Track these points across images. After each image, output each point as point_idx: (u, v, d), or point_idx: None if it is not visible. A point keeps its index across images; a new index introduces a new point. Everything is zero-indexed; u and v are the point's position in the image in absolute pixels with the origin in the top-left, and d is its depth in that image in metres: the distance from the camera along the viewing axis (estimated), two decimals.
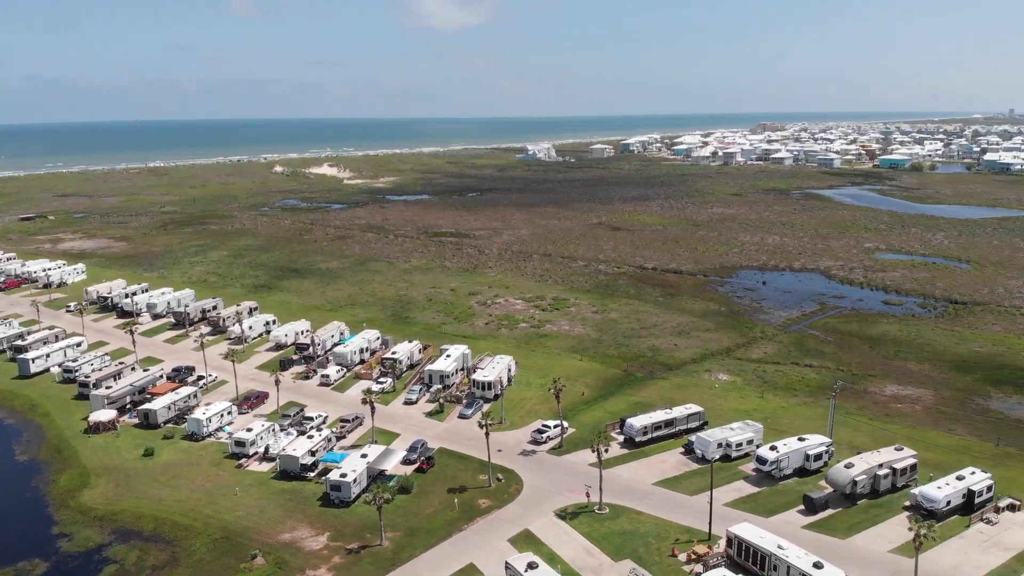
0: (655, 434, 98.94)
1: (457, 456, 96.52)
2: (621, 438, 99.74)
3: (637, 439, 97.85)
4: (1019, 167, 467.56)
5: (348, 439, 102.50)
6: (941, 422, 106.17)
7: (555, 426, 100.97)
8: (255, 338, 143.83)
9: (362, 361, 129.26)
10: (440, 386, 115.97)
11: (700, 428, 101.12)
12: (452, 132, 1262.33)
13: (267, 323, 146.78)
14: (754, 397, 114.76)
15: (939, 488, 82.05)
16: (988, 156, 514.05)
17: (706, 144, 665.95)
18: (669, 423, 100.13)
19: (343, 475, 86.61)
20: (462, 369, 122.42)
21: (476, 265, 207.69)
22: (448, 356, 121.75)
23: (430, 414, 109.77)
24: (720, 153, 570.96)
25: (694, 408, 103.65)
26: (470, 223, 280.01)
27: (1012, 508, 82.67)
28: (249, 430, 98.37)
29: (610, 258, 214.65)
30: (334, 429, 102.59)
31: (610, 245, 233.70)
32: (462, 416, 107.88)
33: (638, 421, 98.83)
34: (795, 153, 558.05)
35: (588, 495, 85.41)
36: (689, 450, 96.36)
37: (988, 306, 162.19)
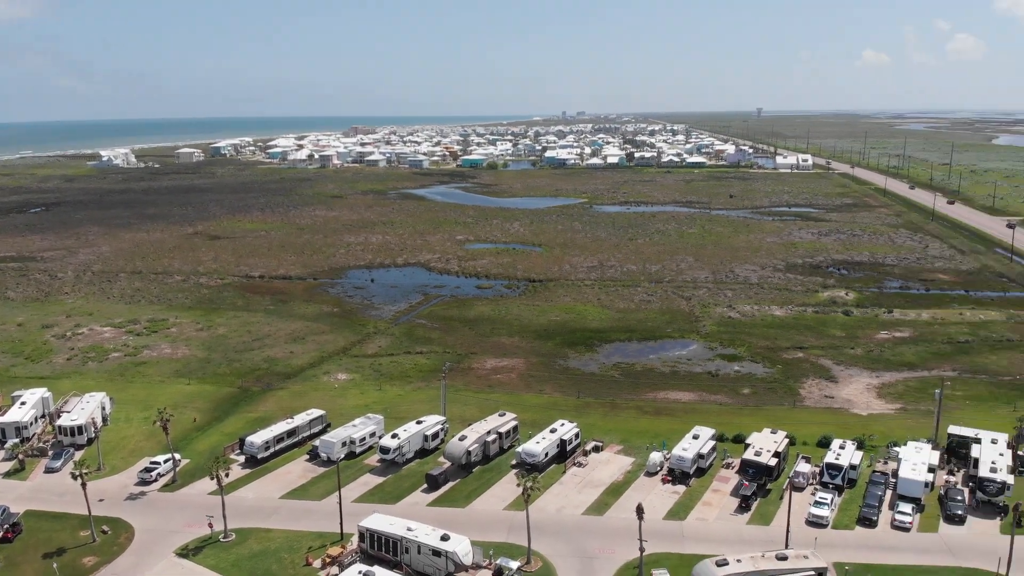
0: (278, 447, 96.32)
1: (50, 516, 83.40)
2: (242, 458, 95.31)
3: (259, 456, 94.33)
4: (573, 162, 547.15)
5: None
6: (533, 385, 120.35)
7: (166, 461, 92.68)
8: None
9: None
10: (17, 440, 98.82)
11: (324, 431, 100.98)
12: (2, 138, 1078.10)
13: None
14: (373, 391, 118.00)
15: (537, 443, 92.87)
16: (548, 153, 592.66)
17: (301, 147, 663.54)
18: (292, 433, 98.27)
19: None
20: (43, 416, 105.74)
21: (48, 292, 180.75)
22: (23, 404, 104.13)
23: (8, 474, 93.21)
24: (316, 156, 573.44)
25: (316, 413, 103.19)
26: (35, 244, 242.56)
27: (597, 449, 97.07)
28: None
29: (212, 269, 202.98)
30: None
31: (210, 255, 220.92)
32: (49, 470, 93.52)
33: (258, 437, 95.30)
34: (387, 155, 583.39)
35: (211, 525, 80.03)
36: (315, 455, 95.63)
37: (559, 281, 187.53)
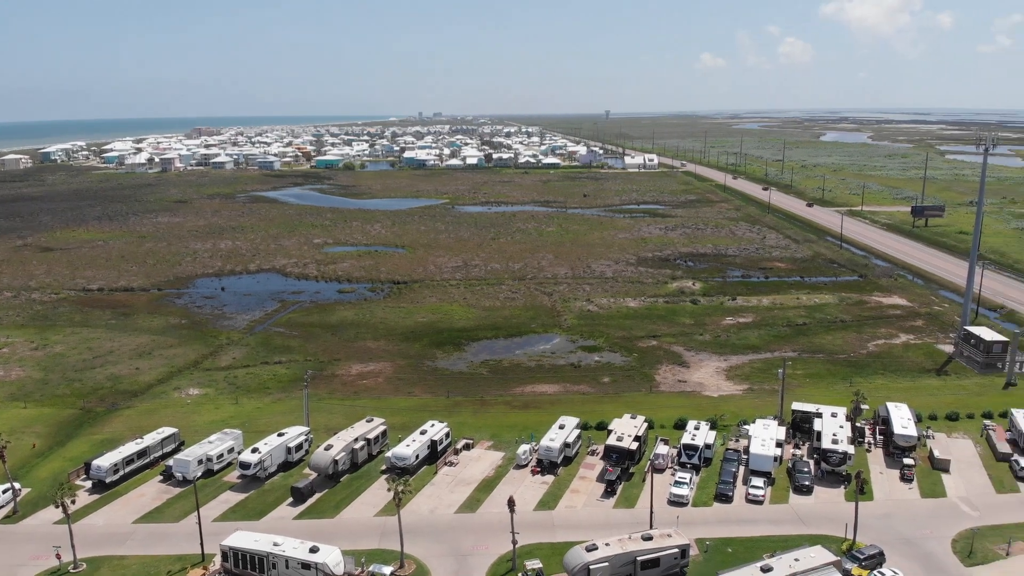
0: (128, 469, 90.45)
1: None
2: (89, 483, 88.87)
3: (108, 480, 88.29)
4: (432, 163, 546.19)
5: None
6: (401, 388, 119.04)
7: (4, 491, 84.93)
8: None
9: None
10: None
11: (177, 450, 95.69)
12: None
13: None
14: (229, 405, 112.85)
15: (407, 446, 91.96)
16: (407, 154, 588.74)
17: (140, 151, 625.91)
18: (142, 453, 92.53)
19: None
20: None
21: None
22: None
23: None
24: (157, 159, 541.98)
25: (168, 431, 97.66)
26: None
27: (467, 447, 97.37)
28: None
29: (45, 284, 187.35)
30: None
31: (42, 269, 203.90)
32: None
33: (106, 460, 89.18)
34: (235, 157, 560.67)
35: (59, 556, 74.01)
36: (169, 475, 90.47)
37: (424, 282, 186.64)
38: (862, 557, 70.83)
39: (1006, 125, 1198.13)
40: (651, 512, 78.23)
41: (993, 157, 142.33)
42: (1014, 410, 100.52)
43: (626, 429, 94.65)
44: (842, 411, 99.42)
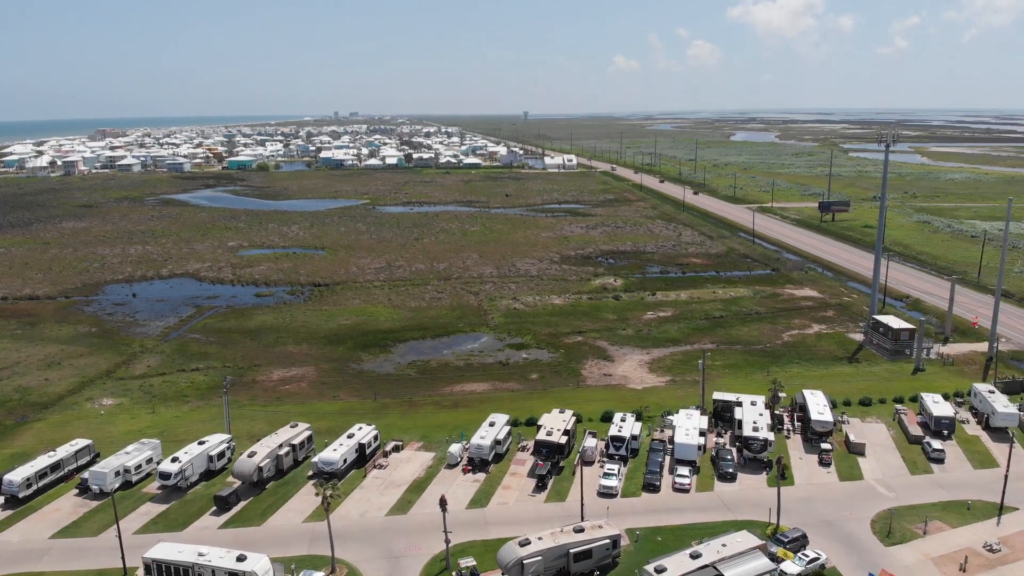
0: (42, 483, 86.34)
1: None
2: (2, 499, 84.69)
3: (21, 494, 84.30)
4: (351, 163, 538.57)
5: None
6: (326, 392, 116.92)
7: None
8: None
9: None
10: None
11: (93, 462, 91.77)
12: None
13: None
14: (146, 414, 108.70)
15: (334, 450, 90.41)
16: (324, 154, 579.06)
17: (41, 153, 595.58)
18: (56, 467, 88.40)
19: None
20: None
21: None
22: None
23: None
24: (60, 163, 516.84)
25: (82, 443, 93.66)
26: None
27: (397, 449, 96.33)
28: None
29: None
30: None
31: None
32: None
33: (18, 474, 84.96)
34: (143, 159, 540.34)
35: None
36: (85, 488, 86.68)
37: (346, 284, 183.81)
38: (786, 540, 73.36)
39: (905, 123, 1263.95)
40: (582, 504, 79.13)
41: (894, 154, 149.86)
42: (923, 394, 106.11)
43: (555, 424, 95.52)
44: (761, 399, 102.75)
